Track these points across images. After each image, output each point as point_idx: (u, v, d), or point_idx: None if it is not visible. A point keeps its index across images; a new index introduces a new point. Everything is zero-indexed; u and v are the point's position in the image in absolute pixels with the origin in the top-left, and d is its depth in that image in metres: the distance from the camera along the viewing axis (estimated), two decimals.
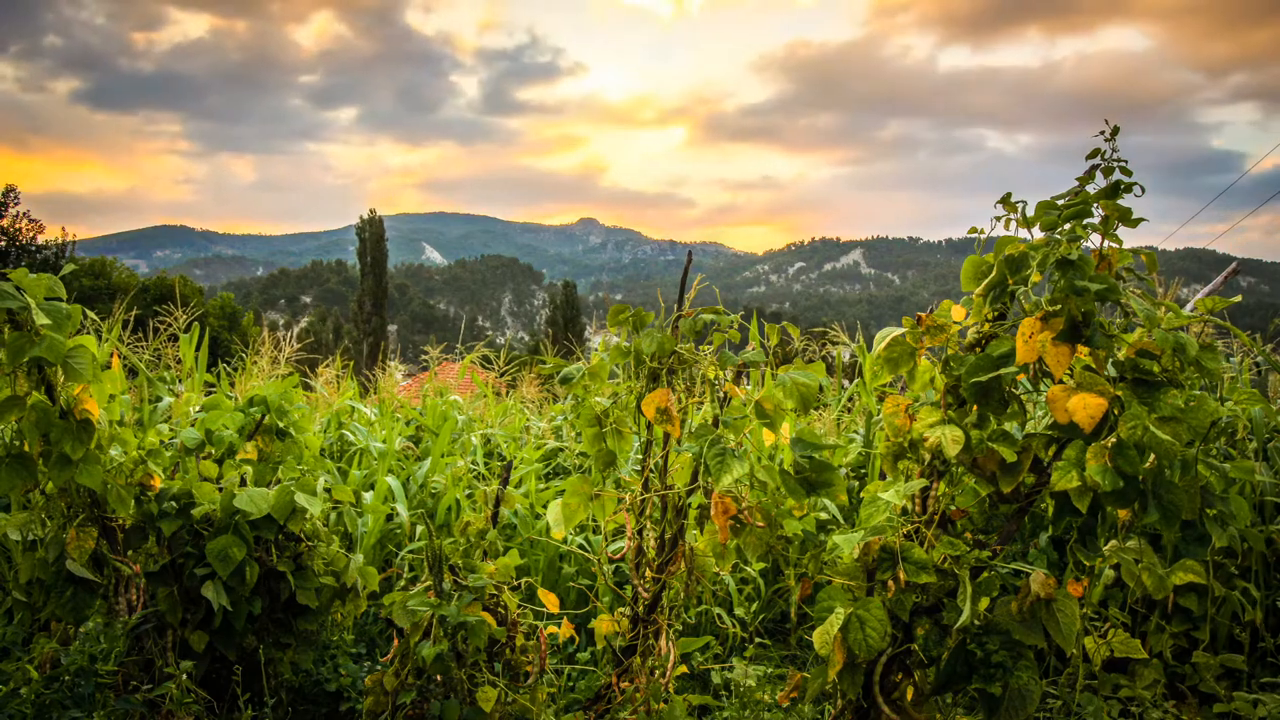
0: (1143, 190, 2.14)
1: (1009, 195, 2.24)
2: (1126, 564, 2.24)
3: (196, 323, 5.23)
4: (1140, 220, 2.15)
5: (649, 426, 2.71)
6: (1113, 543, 2.26)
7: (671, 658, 2.79)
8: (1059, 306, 2.08)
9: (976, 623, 2.18)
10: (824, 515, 4.29)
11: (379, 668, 2.82)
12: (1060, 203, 2.19)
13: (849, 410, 5.65)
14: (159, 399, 4.69)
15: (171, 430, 3.97)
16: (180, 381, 5.05)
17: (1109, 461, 1.98)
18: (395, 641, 2.72)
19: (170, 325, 5.08)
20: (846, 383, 5.83)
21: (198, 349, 5.11)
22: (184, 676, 2.77)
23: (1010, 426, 2.26)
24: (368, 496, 4.36)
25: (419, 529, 4.25)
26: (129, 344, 4.92)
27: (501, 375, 6.85)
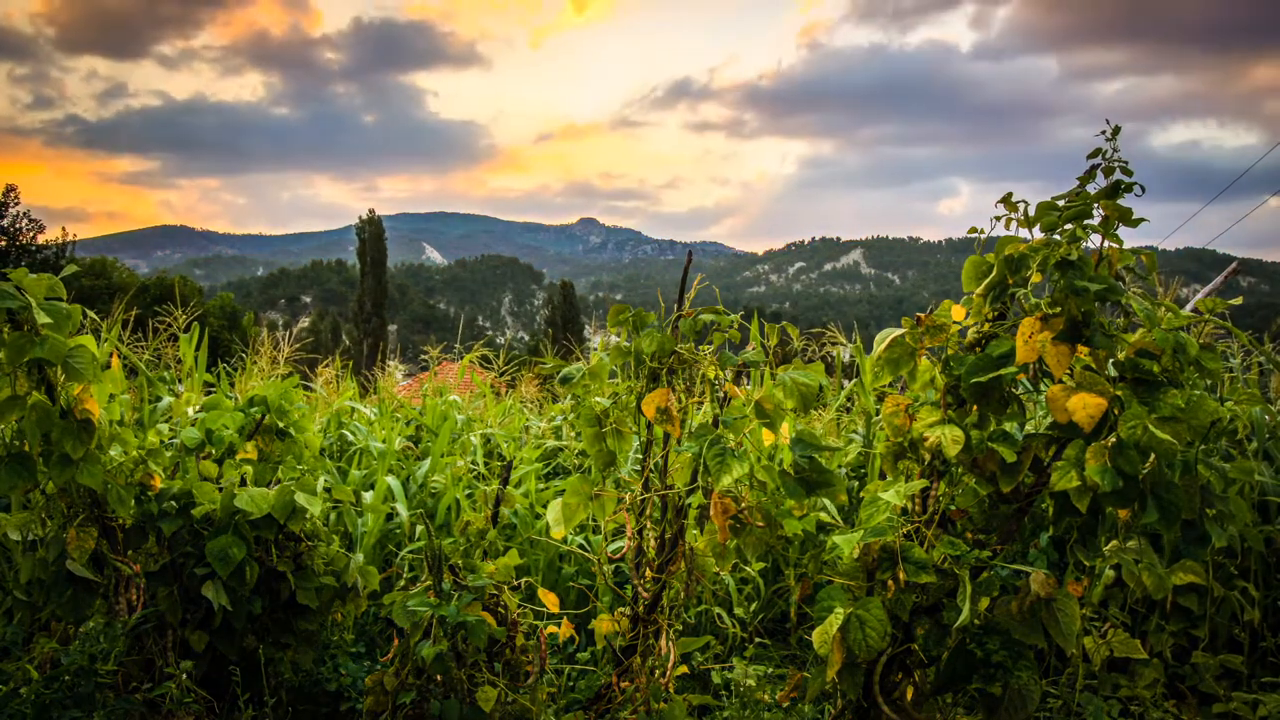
0: (1143, 190, 2.14)
1: (1010, 195, 2.24)
2: (1127, 564, 2.24)
3: (196, 323, 5.23)
4: (1141, 220, 2.15)
5: (649, 426, 2.71)
6: (1113, 543, 2.26)
7: (671, 657, 2.79)
8: (1059, 307, 2.09)
9: (976, 622, 2.18)
10: (824, 516, 4.28)
11: (379, 668, 2.82)
12: (1061, 203, 2.19)
13: (848, 410, 5.65)
14: (159, 399, 4.69)
15: (171, 430, 3.97)
16: (180, 381, 5.05)
17: (1109, 461, 1.98)
18: (395, 641, 2.72)
19: (170, 325, 5.08)
20: (846, 382, 5.82)
21: (197, 349, 5.11)
22: (184, 676, 2.77)
23: (1010, 427, 2.26)
24: (367, 496, 4.36)
25: (419, 529, 4.25)
26: (129, 344, 4.92)
27: (501, 375, 6.85)
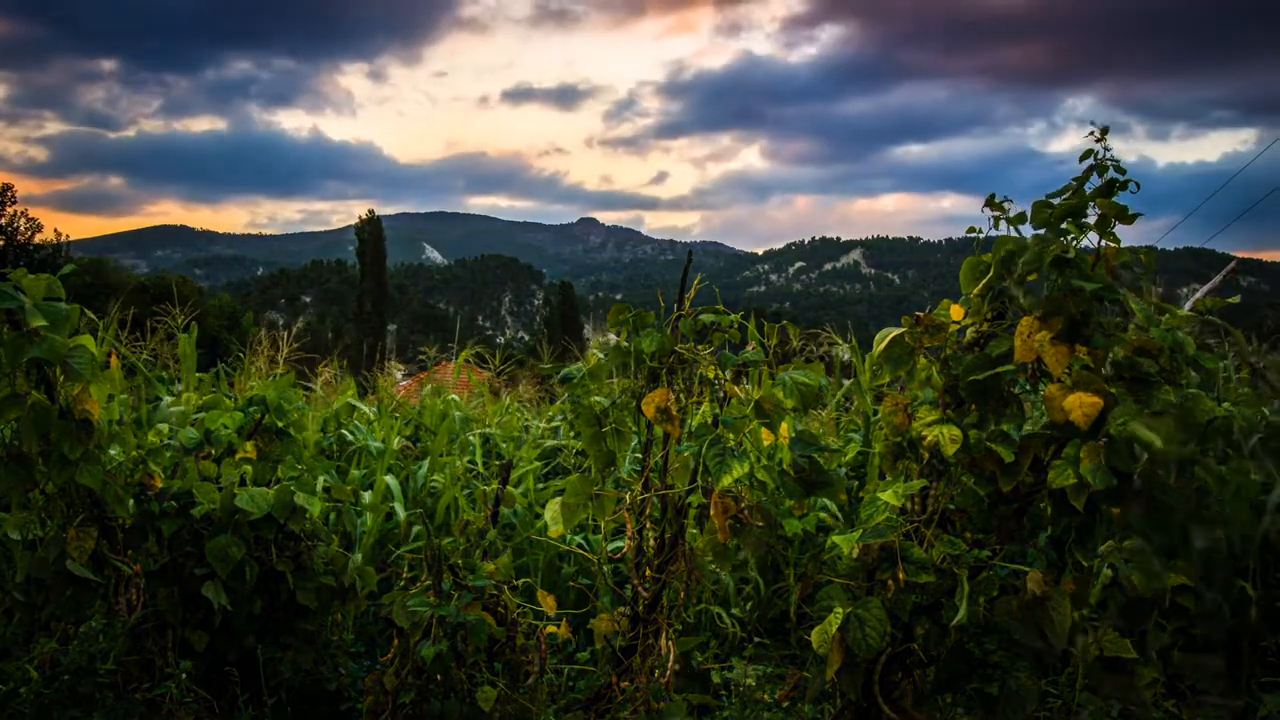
0: (1138, 186, 2.14)
1: (993, 196, 2.24)
2: (1120, 564, 2.24)
3: (194, 322, 5.22)
4: (1137, 215, 2.15)
5: (649, 426, 2.71)
6: (1109, 542, 2.26)
7: (671, 657, 2.79)
8: (1056, 306, 2.09)
9: (976, 621, 2.19)
10: (824, 516, 4.29)
11: (379, 668, 2.82)
12: (1055, 201, 2.19)
13: (847, 409, 5.64)
14: (158, 399, 4.69)
15: (171, 430, 3.97)
16: (178, 380, 5.04)
17: (1103, 460, 1.99)
18: (395, 641, 2.72)
19: (167, 324, 5.06)
20: (846, 382, 5.82)
21: (197, 348, 5.10)
22: (184, 676, 2.77)
23: (1008, 427, 2.26)
24: (366, 496, 4.36)
25: (415, 528, 4.26)
26: (127, 343, 4.91)
27: (499, 374, 6.85)
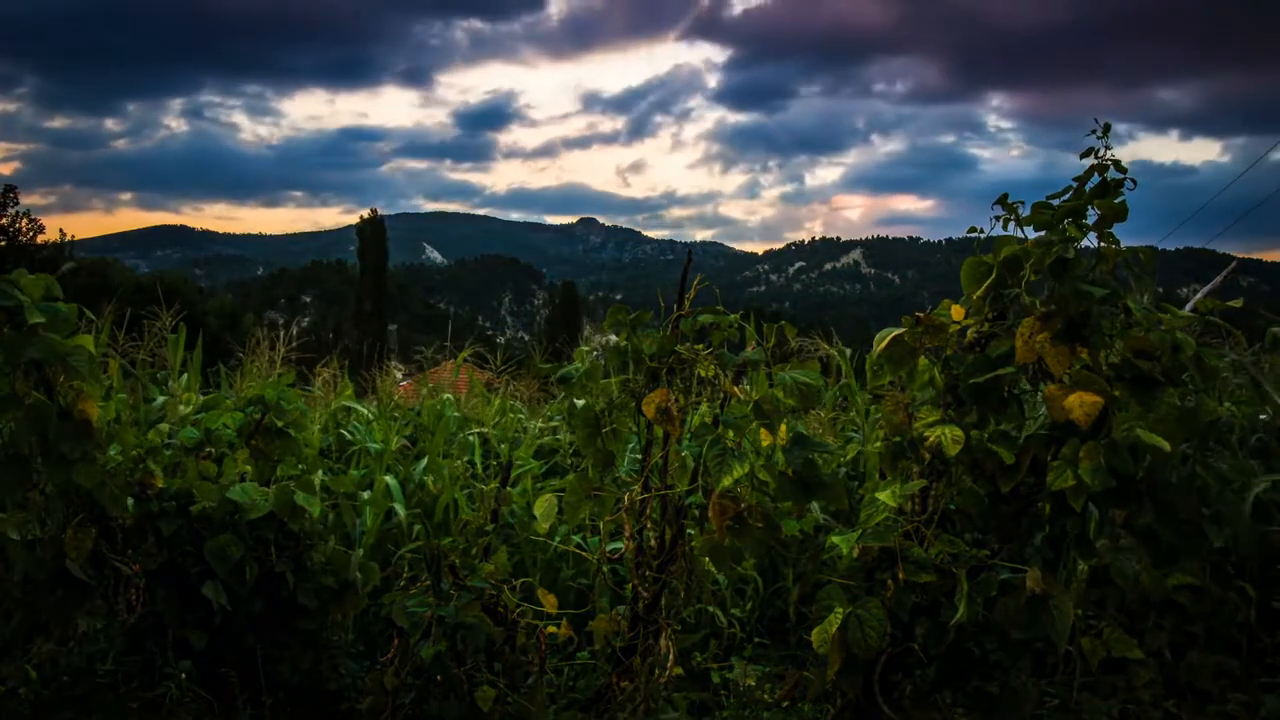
0: (1134, 184, 2.14)
1: (1006, 196, 2.24)
2: (1118, 564, 2.24)
3: (183, 322, 5.19)
4: (1120, 196, 2.15)
5: (649, 426, 2.70)
6: (1103, 541, 2.25)
7: (671, 657, 2.79)
8: (1057, 307, 2.09)
9: (975, 621, 2.18)
10: (822, 517, 4.28)
11: (379, 667, 2.82)
12: (1056, 203, 2.19)
13: (843, 409, 5.64)
14: (152, 399, 4.68)
15: (170, 429, 3.96)
16: (170, 380, 5.02)
17: (1102, 461, 1.98)
18: (395, 641, 2.72)
19: (160, 326, 5.05)
20: (843, 381, 5.82)
21: (190, 348, 5.09)
22: (183, 676, 2.77)
23: (1009, 427, 2.26)
24: (365, 496, 4.35)
25: (416, 528, 4.25)
26: (125, 344, 4.90)
27: (500, 374, 6.84)
